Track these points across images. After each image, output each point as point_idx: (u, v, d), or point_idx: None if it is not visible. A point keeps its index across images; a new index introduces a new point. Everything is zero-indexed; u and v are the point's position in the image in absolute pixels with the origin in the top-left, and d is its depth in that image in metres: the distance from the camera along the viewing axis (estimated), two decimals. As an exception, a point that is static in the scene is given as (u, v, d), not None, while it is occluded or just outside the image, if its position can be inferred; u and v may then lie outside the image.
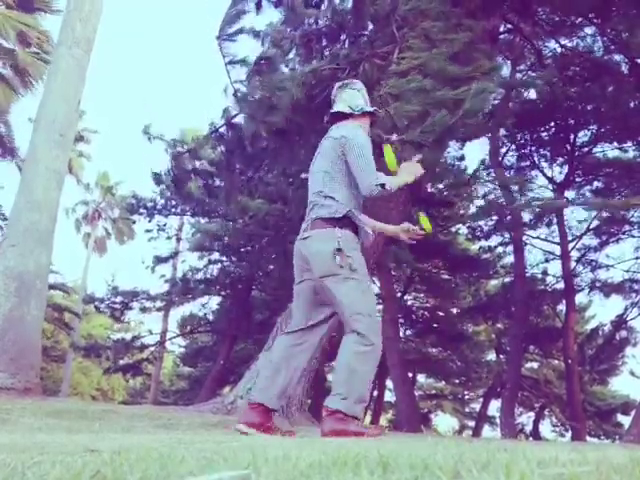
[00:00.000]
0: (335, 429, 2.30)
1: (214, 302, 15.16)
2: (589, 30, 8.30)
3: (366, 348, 2.39)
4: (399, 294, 14.31)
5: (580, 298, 13.98)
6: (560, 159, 12.34)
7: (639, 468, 0.84)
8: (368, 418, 16.89)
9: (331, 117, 2.87)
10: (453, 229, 13.60)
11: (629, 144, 10.82)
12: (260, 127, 5.70)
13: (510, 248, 13.54)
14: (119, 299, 13.42)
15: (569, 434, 14.15)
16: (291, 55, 6.44)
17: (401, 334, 14.35)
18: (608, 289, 12.78)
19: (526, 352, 15.30)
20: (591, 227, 12.43)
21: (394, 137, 3.70)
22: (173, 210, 14.38)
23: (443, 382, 20.55)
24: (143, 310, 13.68)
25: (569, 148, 11.89)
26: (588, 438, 13.41)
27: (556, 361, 16.63)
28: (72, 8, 7.31)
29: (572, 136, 11.65)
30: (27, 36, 11.61)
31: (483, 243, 13.98)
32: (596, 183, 11.96)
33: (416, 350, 16.87)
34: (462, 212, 13.25)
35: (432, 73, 4.65)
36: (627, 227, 12.15)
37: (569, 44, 8.71)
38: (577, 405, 11.50)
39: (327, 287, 2.49)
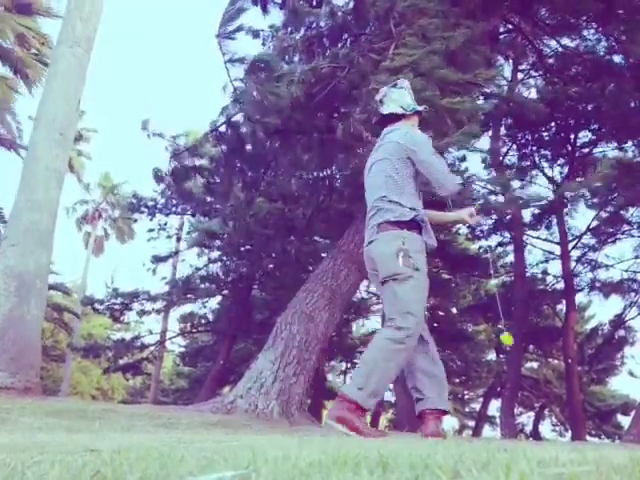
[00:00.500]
0: (343, 417, 2.33)
1: (214, 301, 15.14)
2: (590, 31, 8.29)
3: (398, 346, 2.40)
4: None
5: (580, 298, 13.97)
6: (561, 159, 12.34)
7: (639, 468, 0.84)
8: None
9: (381, 118, 2.85)
10: (453, 229, 13.58)
11: (629, 144, 10.79)
12: (257, 128, 5.70)
13: (510, 248, 13.55)
14: (119, 300, 13.38)
15: (569, 434, 14.13)
16: (295, 59, 6.45)
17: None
18: (607, 289, 12.76)
19: (526, 352, 15.30)
20: (591, 227, 12.41)
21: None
22: (174, 209, 14.43)
23: (443, 382, 20.51)
24: (143, 313, 13.63)
25: (570, 148, 11.88)
26: (588, 438, 13.39)
27: (556, 361, 16.62)
28: (73, 7, 7.29)
29: (572, 136, 11.65)
30: (27, 38, 11.60)
31: (483, 243, 13.99)
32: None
33: (416, 350, 16.83)
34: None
35: (424, 72, 4.61)
36: (626, 227, 12.13)
37: (570, 44, 8.70)
38: (577, 405, 11.48)
39: (388, 289, 2.50)
